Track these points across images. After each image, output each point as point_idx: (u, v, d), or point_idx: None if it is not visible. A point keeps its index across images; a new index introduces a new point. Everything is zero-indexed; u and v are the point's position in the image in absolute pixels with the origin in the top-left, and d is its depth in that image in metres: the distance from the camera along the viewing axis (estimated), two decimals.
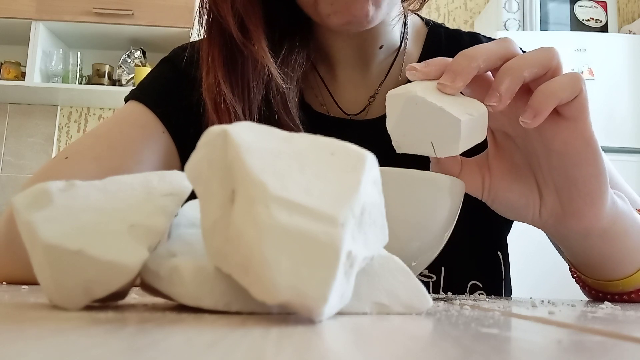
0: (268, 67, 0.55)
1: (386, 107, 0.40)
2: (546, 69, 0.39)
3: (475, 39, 0.67)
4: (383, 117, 0.61)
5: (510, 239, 0.67)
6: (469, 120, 0.37)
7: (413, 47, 0.66)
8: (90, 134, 0.59)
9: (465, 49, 0.63)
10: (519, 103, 0.39)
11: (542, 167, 0.43)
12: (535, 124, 0.38)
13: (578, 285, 0.53)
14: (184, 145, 0.60)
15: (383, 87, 0.64)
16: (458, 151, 0.38)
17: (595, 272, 0.49)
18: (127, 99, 0.62)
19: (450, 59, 0.39)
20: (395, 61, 0.64)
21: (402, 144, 0.41)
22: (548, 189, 0.43)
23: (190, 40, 0.66)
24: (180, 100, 0.58)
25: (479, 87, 0.41)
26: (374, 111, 0.63)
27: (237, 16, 0.55)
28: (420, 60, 0.65)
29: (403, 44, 0.65)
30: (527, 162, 0.44)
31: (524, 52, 0.60)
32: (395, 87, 0.62)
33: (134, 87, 0.65)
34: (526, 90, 0.40)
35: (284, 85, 0.56)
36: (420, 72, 0.39)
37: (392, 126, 0.40)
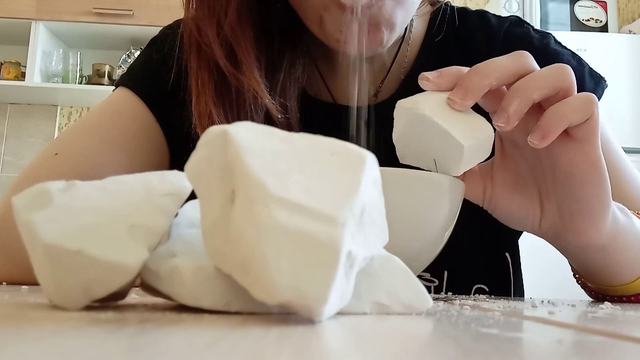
0: (262, 98, 0.50)
1: (394, 116, 0.40)
2: (557, 89, 0.38)
3: (483, 18, 0.63)
4: (384, 103, 0.59)
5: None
6: (473, 145, 0.37)
7: (417, 29, 0.63)
8: (80, 125, 0.57)
9: (473, 29, 0.62)
10: (530, 118, 0.39)
11: (547, 181, 0.43)
12: (543, 145, 0.37)
13: (579, 286, 0.53)
14: (172, 134, 0.57)
15: (385, 82, 0.61)
16: (458, 173, 0.39)
17: (595, 279, 0.49)
18: (116, 85, 0.60)
19: (465, 69, 0.39)
20: (399, 53, 0.61)
21: (405, 155, 0.41)
22: (550, 203, 0.43)
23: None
24: (168, 87, 0.56)
25: (491, 99, 0.40)
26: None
27: (225, 44, 0.50)
28: (423, 43, 0.62)
29: (407, 31, 0.62)
30: (532, 174, 0.44)
31: (554, 59, 0.57)
32: (398, 83, 0.61)
33: (123, 72, 0.61)
34: (538, 106, 0.39)
35: (280, 117, 0.52)
36: (433, 84, 0.39)
37: (397, 137, 0.40)
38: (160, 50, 0.60)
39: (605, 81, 0.61)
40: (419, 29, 0.63)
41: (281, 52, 0.55)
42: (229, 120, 0.51)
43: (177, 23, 0.61)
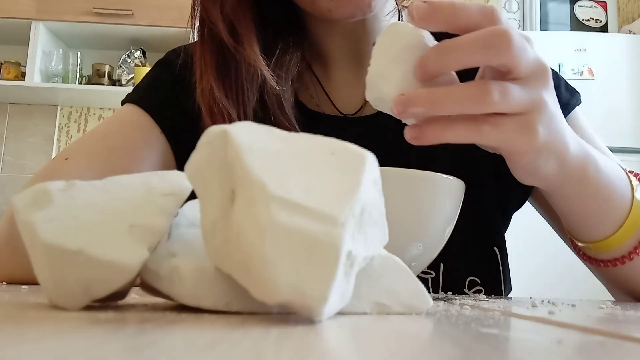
0: (261, 70, 0.55)
1: (372, 53, 0.38)
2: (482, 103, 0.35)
3: None
4: (378, 115, 0.61)
5: (506, 234, 0.67)
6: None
7: None
8: (89, 135, 0.60)
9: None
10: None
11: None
12: (416, 143, 0.36)
13: (579, 258, 0.54)
14: (179, 149, 0.60)
15: None
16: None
17: (581, 233, 0.49)
18: (123, 102, 0.63)
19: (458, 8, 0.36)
20: None
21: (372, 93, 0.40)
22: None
23: (189, 42, 0.67)
24: (175, 104, 0.59)
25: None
26: (370, 110, 0.63)
27: (227, 21, 0.56)
28: None
29: None
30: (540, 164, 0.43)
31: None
32: None
33: (130, 91, 0.66)
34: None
35: (277, 87, 0.57)
36: (421, 20, 0.35)
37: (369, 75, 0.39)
38: (166, 70, 0.64)
39: (580, 96, 0.63)
40: None
41: (275, 42, 0.60)
42: (227, 95, 0.56)
43: (181, 48, 0.65)
